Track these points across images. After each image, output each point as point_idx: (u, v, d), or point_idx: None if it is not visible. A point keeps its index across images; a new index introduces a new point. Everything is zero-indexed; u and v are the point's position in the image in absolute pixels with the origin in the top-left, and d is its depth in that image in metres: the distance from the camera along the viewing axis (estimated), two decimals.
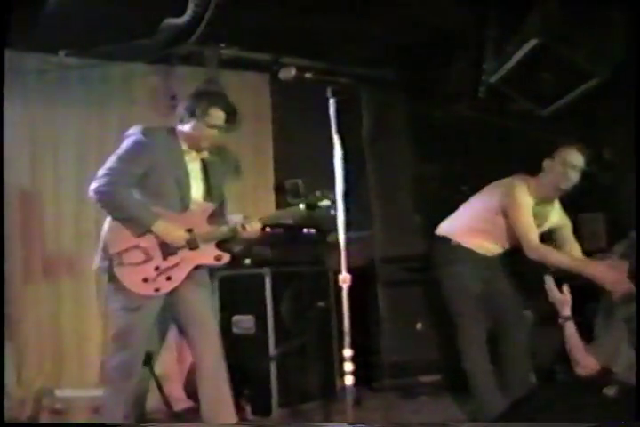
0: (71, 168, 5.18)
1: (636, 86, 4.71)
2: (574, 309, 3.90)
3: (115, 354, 3.71)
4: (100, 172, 3.62)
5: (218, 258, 3.75)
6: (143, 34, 4.87)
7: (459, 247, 4.30)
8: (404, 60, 5.86)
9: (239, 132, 5.63)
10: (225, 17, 4.67)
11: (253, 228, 3.73)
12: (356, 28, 5.21)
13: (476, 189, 6.31)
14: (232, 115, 3.78)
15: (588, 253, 4.62)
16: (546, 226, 4.38)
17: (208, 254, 3.74)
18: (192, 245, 3.69)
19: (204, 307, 3.84)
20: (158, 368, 4.72)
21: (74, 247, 5.15)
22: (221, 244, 3.80)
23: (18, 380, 4.83)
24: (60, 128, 5.18)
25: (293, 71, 3.34)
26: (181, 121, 3.78)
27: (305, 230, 5.23)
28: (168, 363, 4.98)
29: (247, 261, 4.99)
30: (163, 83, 5.44)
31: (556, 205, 4.45)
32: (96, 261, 3.69)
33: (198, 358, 3.82)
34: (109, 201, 3.60)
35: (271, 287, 4.90)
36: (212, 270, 5.06)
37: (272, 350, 4.83)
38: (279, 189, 5.88)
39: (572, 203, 6.04)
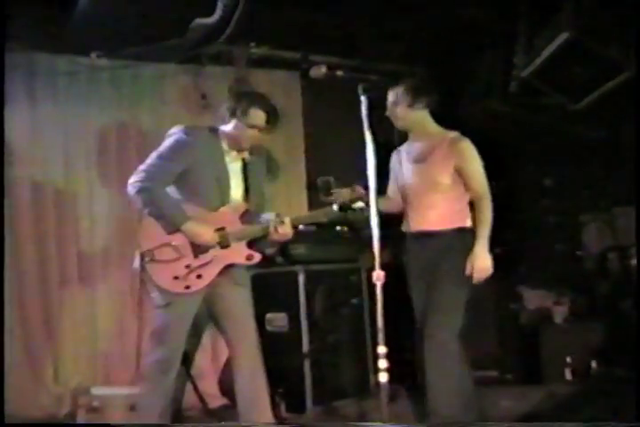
0: (102, 168, 5.22)
1: (636, 86, 4.67)
2: None
3: (151, 352, 3.73)
4: (140, 167, 3.66)
5: (249, 257, 3.75)
6: (173, 34, 4.90)
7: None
8: (434, 56, 5.84)
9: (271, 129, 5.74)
10: (254, 16, 4.69)
11: (285, 229, 3.72)
12: (385, 24, 5.20)
13: (509, 184, 6.32)
14: (273, 115, 3.77)
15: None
16: None
17: (239, 253, 3.74)
18: (223, 243, 3.70)
19: (242, 306, 3.85)
20: (193, 366, 4.78)
21: (108, 247, 5.19)
22: (253, 243, 3.81)
23: (55, 378, 4.89)
24: (92, 129, 5.21)
25: (324, 69, 3.34)
26: (223, 121, 3.80)
27: (338, 228, 5.22)
28: (203, 361, 5.00)
29: (280, 258, 5.00)
30: (193, 82, 5.46)
31: None
32: (136, 262, 3.70)
33: (236, 356, 3.84)
34: (144, 196, 3.62)
35: (304, 285, 4.90)
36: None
37: (306, 348, 4.83)
38: (311, 187, 5.88)
39: (606, 196, 6.04)
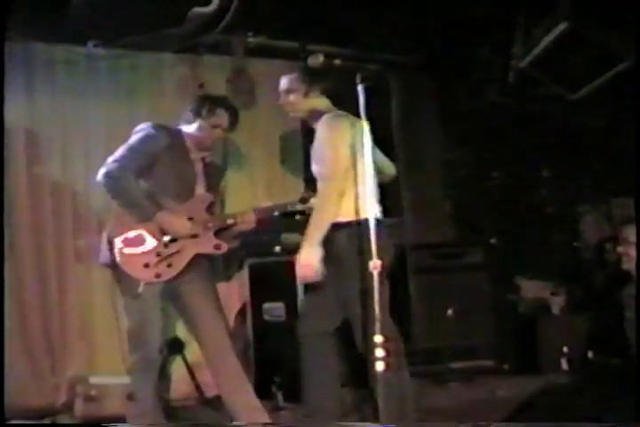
0: (101, 159, 5.19)
1: (636, 85, 4.66)
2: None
3: (132, 353, 3.81)
4: (110, 158, 3.76)
5: (217, 247, 3.83)
6: (171, 23, 4.88)
7: None
8: (432, 46, 5.83)
9: (269, 119, 5.73)
10: (252, 5, 4.68)
11: (245, 219, 3.85)
12: (383, 13, 5.18)
13: (507, 174, 6.33)
14: (235, 116, 3.98)
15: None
16: None
17: (208, 243, 3.82)
18: (192, 233, 3.78)
19: (203, 299, 3.90)
20: (190, 355, 4.80)
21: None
22: (220, 234, 3.89)
23: (52, 367, 4.89)
24: (90, 119, 5.20)
25: (321, 58, 3.34)
26: (187, 122, 3.96)
27: None
28: (199, 350, 5.01)
29: (277, 248, 5.00)
30: (191, 72, 5.45)
31: None
32: (102, 255, 3.77)
33: (205, 350, 3.91)
34: (117, 186, 3.70)
35: None
36: (241, 258, 5.15)
37: None
38: (308, 177, 5.87)
39: (604, 187, 6.04)
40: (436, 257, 5.61)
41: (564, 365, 5.28)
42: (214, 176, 4.08)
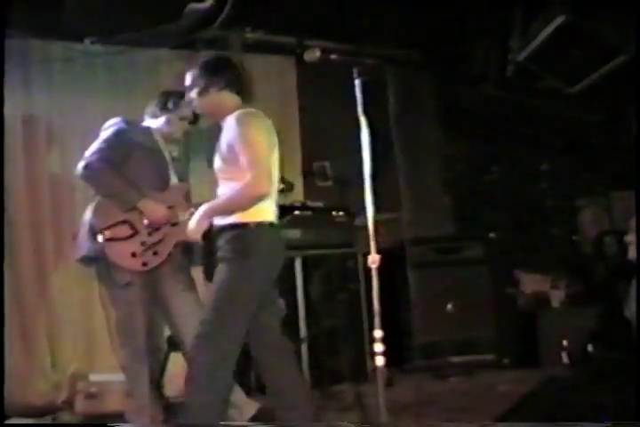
0: None
1: (636, 85, 4.66)
2: None
3: (122, 347, 3.85)
4: (87, 153, 3.83)
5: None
6: (167, 19, 4.87)
7: None
8: (429, 40, 5.82)
9: (267, 114, 5.72)
10: (248, 0, 4.67)
11: None
12: (380, 8, 5.17)
13: (506, 168, 6.32)
14: None
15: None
16: None
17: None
18: (173, 221, 3.82)
19: (178, 289, 3.91)
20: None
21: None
22: None
23: (52, 364, 4.89)
24: (88, 115, 5.19)
25: (318, 53, 3.33)
26: (154, 117, 4.04)
27: (334, 213, 5.22)
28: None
29: None
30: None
31: None
32: (83, 248, 3.77)
33: (182, 340, 3.86)
34: (97, 177, 3.78)
35: (301, 270, 4.91)
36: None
37: (303, 333, 4.85)
38: (307, 172, 5.88)
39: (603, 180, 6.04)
40: (436, 251, 5.63)
41: (565, 358, 5.27)
42: (181, 168, 4.15)
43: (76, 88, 5.16)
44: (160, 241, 3.78)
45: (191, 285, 4.00)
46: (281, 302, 4.44)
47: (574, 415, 3.41)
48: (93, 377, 4.65)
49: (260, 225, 3.26)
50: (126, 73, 5.33)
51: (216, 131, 3.53)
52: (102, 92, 5.24)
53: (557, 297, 5.67)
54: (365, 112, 3.33)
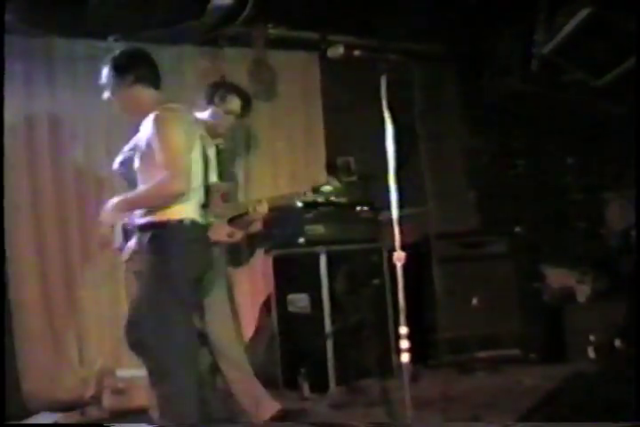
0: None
1: (636, 87, 4.61)
2: None
3: None
4: (126, 147, 3.79)
5: (230, 235, 3.82)
6: (191, 16, 4.88)
7: None
8: (454, 35, 5.80)
9: (291, 110, 5.74)
10: None
11: (263, 208, 3.83)
12: (404, 2, 5.15)
13: (531, 162, 6.28)
14: (247, 102, 4.04)
15: None
16: None
17: (221, 231, 3.79)
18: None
19: (213, 288, 3.89)
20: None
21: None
22: (234, 222, 3.87)
23: (80, 360, 4.93)
24: (111, 113, 5.20)
25: (341, 49, 3.32)
26: (200, 108, 4.01)
27: (358, 208, 5.22)
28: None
29: (301, 240, 5.01)
30: (212, 64, 5.45)
31: None
32: (117, 241, 3.71)
33: (213, 337, 3.92)
34: (132, 174, 3.64)
35: (326, 266, 4.91)
36: (266, 249, 5.16)
37: (328, 328, 4.85)
38: (331, 167, 5.88)
39: (629, 173, 5.97)
40: (461, 246, 5.61)
41: (591, 353, 5.24)
42: (227, 163, 4.07)
43: (100, 86, 5.17)
44: None
45: (226, 282, 4.01)
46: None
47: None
48: (120, 373, 4.69)
49: (179, 224, 3.25)
50: None
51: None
52: None
53: (584, 291, 5.63)
54: (390, 107, 3.33)
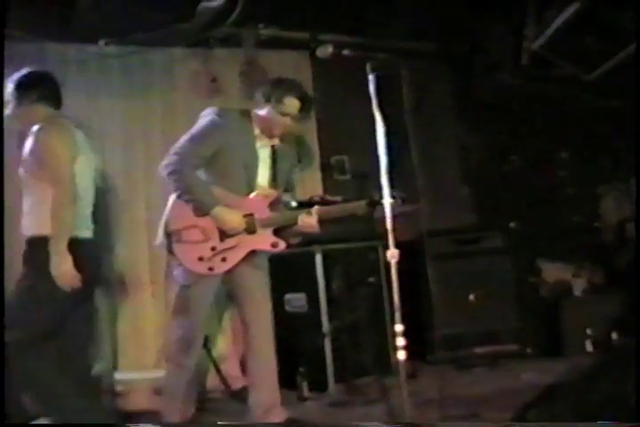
0: (118, 155, 5.23)
1: (636, 85, 4.61)
2: None
3: (174, 330, 3.84)
4: (172, 150, 3.71)
5: (274, 245, 3.78)
6: (180, 18, 4.89)
7: None
8: (442, 31, 5.80)
9: None
10: None
11: (311, 220, 3.75)
12: (392, 1, 5.16)
13: (524, 157, 6.29)
14: (307, 104, 3.82)
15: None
16: None
17: (265, 240, 3.78)
18: (250, 229, 3.74)
19: (259, 289, 3.91)
20: (215, 349, 4.83)
21: (127, 232, 5.20)
22: (279, 231, 3.84)
23: None
24: (104, 117, 5.22)
25: (330, 48, 3.33)
26: (257, 106, 3.84)
27: None
28: (224, 344, 5.06)
29: (296, 240, 5.00)
30: (203, 66, 5.45)
31: None
32: (158, 237, 3.78)
33: (250, 337, 3.89)
34: (175, 179, 3.66)
35: (322, 265, 4.92)
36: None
37: (325, 327, 4.86)
38: (325, 167, 5.89)
39: (623, 167, 5.98)
40: (457, 243, 5.62)
41: (589, 347, 5.26)
42: (283, 164, 3.95)
43: (92, 89, 5.18)
44: (232, 248, 3.71)
45: (266, 283, 3.99)
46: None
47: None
48: (119, 376, 4.69)
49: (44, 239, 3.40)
50: (141, 73, 5.34)
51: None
52: (118, 93, 5.25)
53: (580, 285, 5.65)
54: (380, 106, 3.34)
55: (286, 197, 4.04)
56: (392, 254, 3.25)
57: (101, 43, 5.08)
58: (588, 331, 5.27)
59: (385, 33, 5.46)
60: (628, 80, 5.24)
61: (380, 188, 3.40)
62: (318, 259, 4.91)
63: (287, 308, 5.02)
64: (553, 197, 6.30)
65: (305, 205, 4.95)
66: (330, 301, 4.91)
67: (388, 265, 3.36)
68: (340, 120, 5.87)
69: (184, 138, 3.73)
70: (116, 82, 5.26)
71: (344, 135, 5.85)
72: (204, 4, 4.75)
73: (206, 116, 3.78)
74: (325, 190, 5.65)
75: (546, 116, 6.02)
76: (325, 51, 3.34)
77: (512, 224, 5.92)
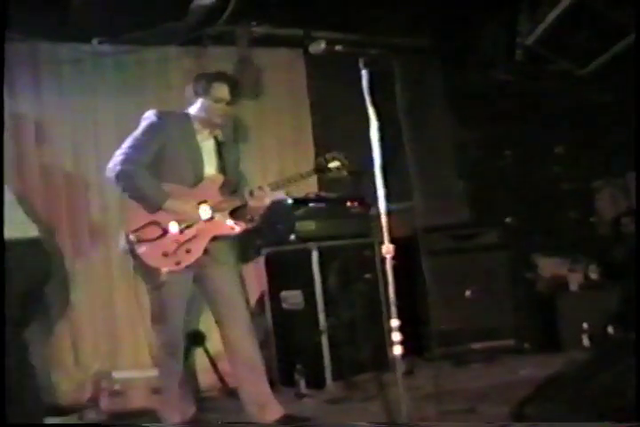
0: (112, 154, 5.20)
1: (636, 83, 4.62)
2: None
3: (156, 336, 3.87)
4: (117, 152, 3.80)
5: (232, 228, 3.84)
6: (174, 16, 4.88)
7: None
8: (436, 27, 5.80)
9: (277, 108, 5.73)
10: None
11: (259, 195, 3.80)
12: None
13: (519, 153, 6.29)
14: (235, 87, 3.92)
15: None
16: None
17: (222, 225, 3.83)
18: (206, 216, 3.79)
19: (228, 286, 3.91)
20: (212, 347, 4.83)
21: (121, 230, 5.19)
22: (234, 214, 3.88)
23: (75, 363, 4.93)
24: (99, 116, 5.21)
25: (323, 45, 3.33)
26: (190, 104, 3.95)
27: (348, 203, 5.22)
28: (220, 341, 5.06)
29: (292, 236, 5.01)
30: (196, 64, 5.44)
31: None
32: (120, 243, 3.80)
33: (227, 337, 3.93)
34: (124, 179, 3.73)
35: (318, 262, 4.92)
36: (258, 247, 5.16)
37: (322, 324, 4.86)
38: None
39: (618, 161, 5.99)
40: (453, 238, 5.62)
41: (586, 341, 5.27)
42: (228, 154, 4.02)
43: (86, 89, 5.18)
44: (193, 238, 3.74)
45: (239, 279, 3.99)
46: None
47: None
48: (117, 375, 4.69)
49: None
50: (135, 72, 5.33)
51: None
52: (112, 92, 5.25)
53: (576, 280, 5.65)
54: (374, 102, 3.33)
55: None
56: (387, 250, 3.25)
57: (95, 41, 5.07)
58: (585, 325, 5.28)
59: (378, 29, 5.47)
60: (623, 74, 5.25)
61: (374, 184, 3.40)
62: (314, 256, 4.91)
63: (284, 305, 5.03)
64: (548, 192, 6.30)
65: (300, 202, 4.99)
66: (326, 298, 4.91)
67: (384, 262, 3.36)
68: (335, 117, 5.87)
69: (128, 139, 3.85)
70: (110, 80, 5.26)
71: (339, 132, 5.84)
72: (196, 3, 4.75)
73: (147, 118, 3.88)
74: (320, 188, 5.64)
75: (540, 111, 6.02)
76: (318, 47, 3.34)
77: (508, 220, 5.93)
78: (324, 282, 4.93)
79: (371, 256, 5.19)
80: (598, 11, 5.04)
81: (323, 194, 5.25)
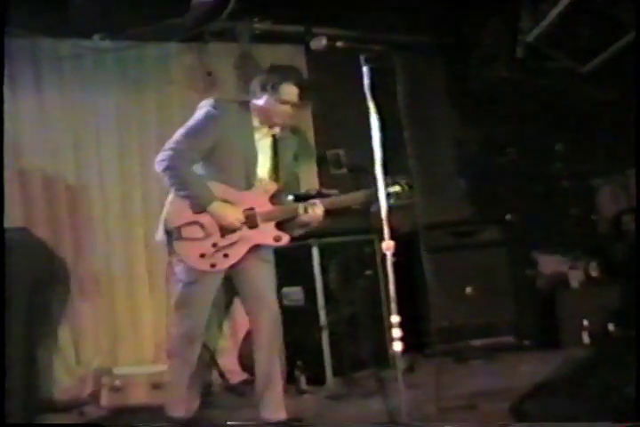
0: (114, 150, 5.23)
1: (636, 81, 4.61)
2: None
3: (176, 325, 3.80)
4: (167, 144, 3.62)
5: (277, 239, 3.72)
6: (175, 13, 4.88)
7: None
8: (437, 24, 5.79)
9: None
10: None
11: (315, 211, 3.71)
12: None
13: (520, 150, 6.29)
14: (305, 90, 3.69)
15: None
16: None
17: (267, 234, 3.71)
18: (251, 224, 3.67)
19: (265, 282, 3.84)
20: (212, 343, 4.84)
21: (124, 227, 5.20)
22: (282, 224, 3.77)
23: (76, 359, 4.94)
24: (100, 112, 5.21)
25: (324, 41, 3.32)
26: (254, 95, 3.73)
27: None
28: (221, 337, 5.07)
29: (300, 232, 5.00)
30: (198, 60, 5.44)
31: None
32: (159, 234, 3.69)
33: (256, 329, 3.85)
34: (171, 175, 3.59)
35: (319, 258, 4.92)
36: None
37: (323, 321, 4.87)
38: (321, 161, 5.89)
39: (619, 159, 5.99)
40: (453, 235, 5.63)
41: (585, 338, 5.27)
42: (285, 155, 3.84)
43: (87, 84, 5.17)
44: (233, 243, 3.63)
45: (272, 277, 3.91)
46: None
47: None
48: (117, 371, 4.70)
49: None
50: (136, 68, 5.33)
51: None
52: (113, 88, 5.25)
53: (576, 277, 5.66)
54: (375, 98, 3.33)
55: (287, 191, 3.98)
56: (387, 246, 3.25)
57: (96, 37, 5.07)
58: (585, 323, 5.28)
59: (379, 25, 5.46)
60: (624, 71, 5.24)
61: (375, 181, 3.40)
62: (315, 252, 4.92)
63: (284, 302, 5.01)
64: (549, 189, 6.31)
65: (301, 198, 4.97)
66: (327, 294, 4.92)
67: (384, 258, 3.36)
68: (336, 114, 5.87)
69: (179, 132, 3.64)
70: (111, 76, 5.25)
71: (340, 129, 5.84)
72: None
73: (202, 108, 3.67)
74: (321, 184, 5.65)
75: (541, 108, 6.02)
76: (319, 43, 3.33)
77: (508, 217, 5.92)
78: (324, 278, 4.93)
79: (371, 253, 5.20)
80: (599, 8, 5.04)
81: (324, 190, 5.24)
